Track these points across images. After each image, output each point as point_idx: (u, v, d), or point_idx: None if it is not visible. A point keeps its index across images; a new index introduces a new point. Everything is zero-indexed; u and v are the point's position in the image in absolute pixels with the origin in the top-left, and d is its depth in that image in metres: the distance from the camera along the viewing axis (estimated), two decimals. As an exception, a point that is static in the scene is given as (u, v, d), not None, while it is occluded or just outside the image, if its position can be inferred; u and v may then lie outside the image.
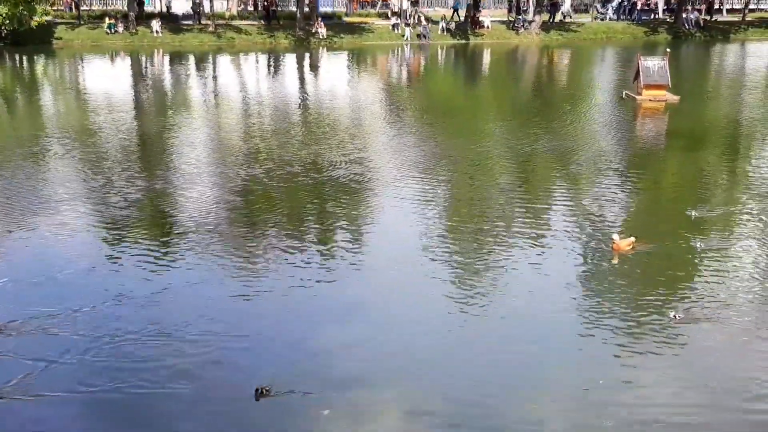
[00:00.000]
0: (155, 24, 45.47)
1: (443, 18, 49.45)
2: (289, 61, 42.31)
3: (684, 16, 51.81)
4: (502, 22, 50.94)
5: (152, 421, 9.34)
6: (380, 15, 51.87)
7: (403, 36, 47.39)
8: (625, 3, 54.55)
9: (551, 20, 51.40)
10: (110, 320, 11.37)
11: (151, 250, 14.12)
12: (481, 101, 32.66)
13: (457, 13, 50.43)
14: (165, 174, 19.00)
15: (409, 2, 50.63)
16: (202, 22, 47.04)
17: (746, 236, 14.98)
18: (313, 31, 46.37)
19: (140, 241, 14.62)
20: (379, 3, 54.07)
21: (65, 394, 9.69)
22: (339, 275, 13.18)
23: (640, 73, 28.13)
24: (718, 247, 14.19)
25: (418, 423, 9.32)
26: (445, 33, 48.67)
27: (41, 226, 15.24)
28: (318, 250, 14.21)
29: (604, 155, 21.34)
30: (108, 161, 20.33)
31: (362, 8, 54.09)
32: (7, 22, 40.35)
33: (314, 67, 41.28)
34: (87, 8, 49.09)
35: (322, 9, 50.72)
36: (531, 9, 52.23)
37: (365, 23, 49.83)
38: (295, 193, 17.67)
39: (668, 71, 28.21)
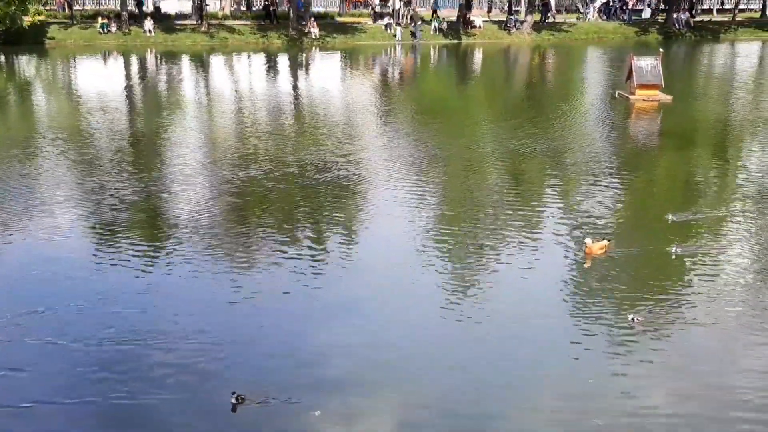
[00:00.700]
0: (148, 24, 45.45)
1: (435, 17, 49.50)
2: (282, 61, 42.34)
3: (675, 16, 52.14)
4: (486, 22, 51.08)
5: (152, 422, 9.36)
6: (371, 15, 51.67)
7: (395, 36, 47.47)
8: (612, 3, 54.77)
9: (543, 20, 51.57)
10: (99, 326, 11.27)
11: (138, 253, 14.00)
12: (473, 101, 32.71)
13: (437, 14, 50.03)
14: (156, 174, 19.01)
15: (402, 2, 50.70)
16: (198, 21, 46.97)
17: (724, 239, 15.01)
18: (306, 30, 46.43)
19: (127, 243, 14.54)
20: (379, 3, 53.86)
21: (30, 405, 9.47)
22: (329, 279, 13.15)
23: (633, 73, 28.23)
24: (694, 251, 14.13)
25: (410, 426, 9.38)
26: (437, 33, 48.77)
27: (32, 228, 15.21)
28: (310, 255, 14.16)
29: (596, 155, 21.44)
30: (101, 161, 20.34)
31: (355, 8, 54.14)
32: (0, 21, 40.28)
33: (306, 67, 41.32)
34: (80, 8, 49.13)
35: (315, 9, 50.76)
36: (522, 9, 52.41)
37: (358, 23, 49.92)
38: (287, 193, 17.69)
39: (661, 71, 28.37)
